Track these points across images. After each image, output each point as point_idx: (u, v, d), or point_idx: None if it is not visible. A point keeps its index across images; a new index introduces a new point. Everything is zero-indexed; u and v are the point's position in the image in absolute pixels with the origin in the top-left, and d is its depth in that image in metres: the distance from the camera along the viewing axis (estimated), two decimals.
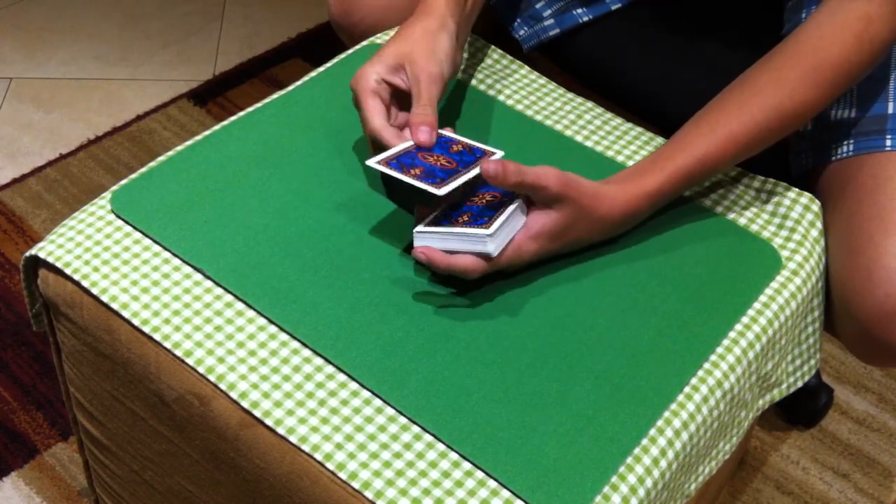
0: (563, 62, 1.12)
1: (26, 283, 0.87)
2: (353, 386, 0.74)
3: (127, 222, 0.84)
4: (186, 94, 1.79)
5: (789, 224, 0.87)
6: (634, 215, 0.83)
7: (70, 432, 1.26)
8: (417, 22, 0.88)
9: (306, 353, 0.76)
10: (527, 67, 1.03)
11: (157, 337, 0.77)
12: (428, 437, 0.71)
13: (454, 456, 0.70)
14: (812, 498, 1.23)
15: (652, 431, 0.72)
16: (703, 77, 0.90)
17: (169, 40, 1.93)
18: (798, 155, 0.97)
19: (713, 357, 0.77)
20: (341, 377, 0.74)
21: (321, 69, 1.01)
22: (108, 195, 0.87)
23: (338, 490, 0.69)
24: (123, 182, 0.88)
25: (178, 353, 0.76)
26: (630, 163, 0.92)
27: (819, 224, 0.88)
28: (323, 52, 1.73)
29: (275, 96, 0.97)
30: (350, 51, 1.03)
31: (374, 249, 0.83)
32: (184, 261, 0.81)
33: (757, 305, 0.81)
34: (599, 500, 0.68)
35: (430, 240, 0.78)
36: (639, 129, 0.96)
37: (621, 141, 0.94)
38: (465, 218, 0.78)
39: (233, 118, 0.94)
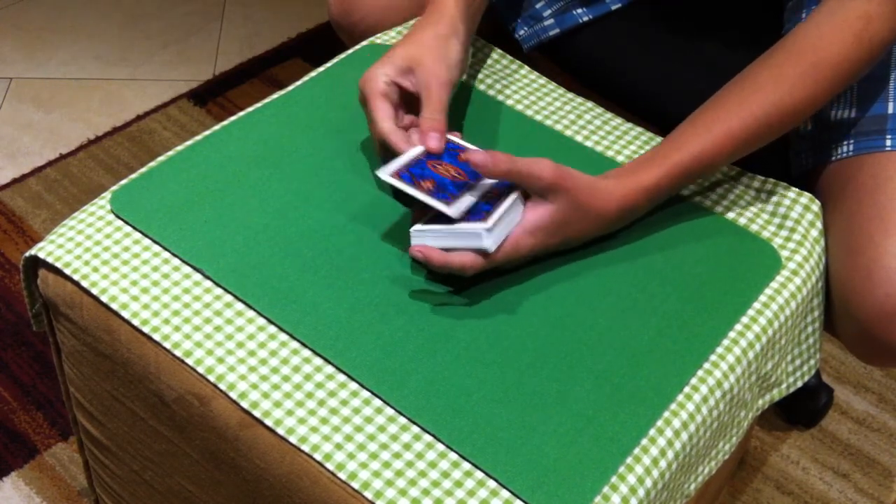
0: (563, 62, 1.12)
1: (26, 284, 0.87)
2: (353, 386, 0.74)
3: (127, 222, 0.84)
4: (186, 94, 1.79)
5: (789, 224, 0.87)
6: (631, 210, 0.82)
7: (70, 432, 1.26)
8: (429, 26, 0.88)
9: (306, 353, 0.76)
10: (527, 67, 1.03)
11: (156, 337, 0.77)
12: (427, 438, 0.71)
13: (454, 456, 0.70)
14: (812, 498, 1.23)
15: (652, 431, 0.72)
16: (703, 77, 0.90)
17: (169, 40, 1.93)
18: (798, 155, 0.97)
19: (713, 357, 0.77)
20: (341, 377, 0.74)
21: (321, 69, 1.01)
22: (107, 195, 0.87)
23: (337, 490, 0.69)
24: (123, 182, 0.88)
25: (178, 353, 0.76)
26: None
27: (819, 224, 0.88)
28: (323, 52, 1.73)
29: (275, 96, 0.97)
30: (350, 51, 1.03)
31: (374, 249, 0.83)
32: (183, 261, 0.81)
33: (757, 305, 0.81)
34: (599, 500, 0.68)
35: (427, 238, 0.78)
36: (639, 129, 0.96)
37: (621, 141, 0.94)
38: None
39: (233, 118, 0.94)
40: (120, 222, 0.85)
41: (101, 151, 1.67)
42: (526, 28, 1.10)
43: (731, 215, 0.88)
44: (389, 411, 0.72)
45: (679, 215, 0.88)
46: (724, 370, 0.77)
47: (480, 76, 1.01)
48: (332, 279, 0.80)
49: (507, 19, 1.12)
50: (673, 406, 0.74)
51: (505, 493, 0.68)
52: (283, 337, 0.77)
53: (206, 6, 2.02)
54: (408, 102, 0.87)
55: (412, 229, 0.79)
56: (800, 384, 0.91)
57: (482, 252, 0.77)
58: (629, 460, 0.70)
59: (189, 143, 0.92)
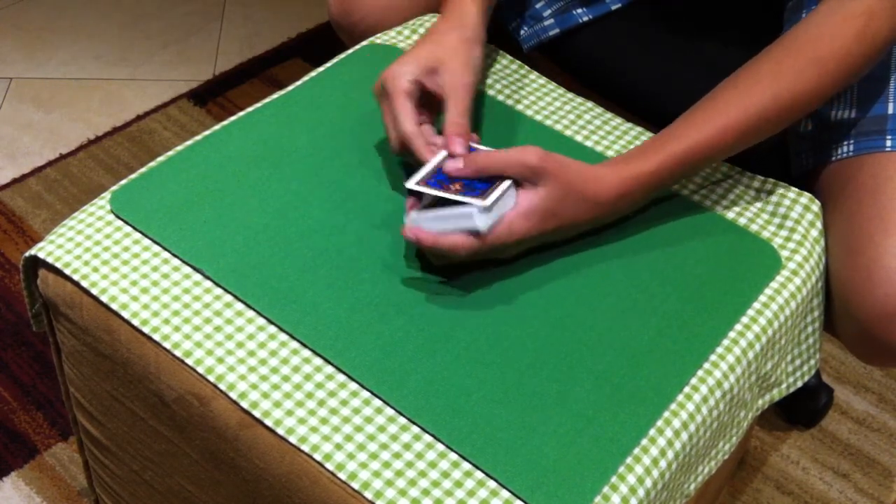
0: (563, 62, 1.12)
1: (26, 284, 0.87)
2: (353, 386, 0.74)
3: (126, 222, 0.84)
4: (186, 94, 1.79)
5: (789, 224, 0.87)
6: (627, 198, 0.82)
7: (70, 432, 1.26)
8: (454, 30, 0.88)
9: (306, 353, 0.76)
10: (527, 67, 1.03)
11: (156, 337, 0.77)
12: (427, 438, 0.71)
13: (454, 456, 0.70)
14: (812, 498, 1.23)
15: (652, 431, 0.72)
16: (703, 77, 0.90)
17: (169, 40, 1.93)
18: (798, 155, 0.97)
19: (713, 357, 0.77)
20: (341, 377, 0.74)
21: (321, 69, 1.01)
22: (107, 195, 0.87)
23: (337, 490, 0.69)
24: (123, 182, 0.88)
25: (178, 353, 0.76)
26: None
27: (819, 224, 0.88)
28: (323, 52, 1.73)
29: (275, 96, 0.97)
30: (350, 51, 1.03)
31: (373, 249, 0.83)
32: (183, 261, 0.81)
33: (757, 305, 0.81)
34: (599, 500, 0.68)
35: (422, 223, 0.78)
36: (639, 128, 0.96)
37: (621, 141, 0.94)
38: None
39: (233, 118, 0.94)
40: (120, 222, 0.85)
41: (101, 151, 1.67)
42: (526, 28, 1.10)
43: (731, 215, 0.88)
44: (389, 411, 0.72)
45: (679, 215, 0.88)
46: (724, 370, 0.77)
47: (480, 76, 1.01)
48: (332, 279, 0.80)
49: (507, 19, 1.12)
50: (673, 406, 0.74)
51: (505, 493, 0.68)
52: (283, 337, 0.77)
53: (206, 6, 2.02)
54: (425, 103, 0.87)
55: (406, 217, 0.78)
56: (800, 384, 0.91)
57: (475, 233, 0.76)
58: (629, 460, 0.70)
59: (189, 143, 0.92)
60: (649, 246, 0.85)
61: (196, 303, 0.79)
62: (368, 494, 0.68)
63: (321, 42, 1.92)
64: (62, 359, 0.89)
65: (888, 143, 0.89)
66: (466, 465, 0.70)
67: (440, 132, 0.86)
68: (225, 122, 0.94)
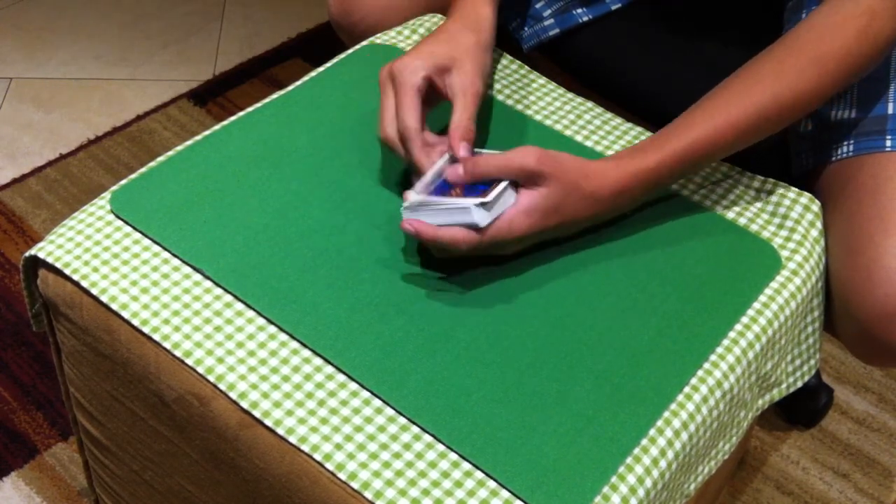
0: (563, 62, 1.12)
1: (26, 284, 0.87)
2: (353, 386, 0.74)
3: (126, 222, 0.84)
4: (186, 94, 1.79)
5: (789, 224, 0.87)
6: (628, 195, 0.81)
7: (70, 432, 1.26)
8: (469, 32, 0.87)
9: (306, 353, 0.76)
10: (527, 67, 1.03)
11: (156, 337, 0.77)
12: (427, 438, 0.71)
13: (454, 456, 0.70)
14: (812, 498, 1.23)
15: (652, 431, 0.72)
16: (703, 77, 0.90)
17: (169, 40, 1.93)
18: (798, 155, 0.97)
19: (713, 357, 0.77)
20: (341, 377, 0.74)
21: (321, 69, 1.01)
22: (107, 195, 0.87)
23: (337, 490, 0.69)
24: (123, 182, 0.88)
25: (178, 353, 0.76)
26: None
27: (819, 224, 0.88)
28: (323, 52, 1.73)
29: (275, 96, 0.97)
30: (350, 51, 1.03)
31: (374, 249, 0.83)
32: (183, 261, 0.81)
33: (757, 305, 0.81)
34: (599, 500, 0.68)
35: (419, 214, 0.78)
36: (639, 128, 0.96)
37: (621, 141, 0.94)
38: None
39: (233, 118, 0.94)
40: (120, 222, 0.85)
41: (101, 151, 1.67)
42: (526, 28, 1.10)
43: (731, 215, 0.88)
44: (389, 411, 0.72)
45: (679, 215, 0.88)
46: (724, 370, 0.77)
47: None
48: (332, 279, 0.80)
49: (507, 19, 1.12)
50: (673, 406, 0.74)
51: (505, 493, 0.68)
52: (283, 337, 0.77)
53: (206, 6, 2.02)
54: (425, 99, 0.86)
55: (403, 206, 0.78)
56: (800, 384, 0.91)
57: (474, 227, 0.76)
58: (629, 460, 0.70)
59: (189, 143, 0.92)
60: (649, 246, 0.85)
61: (196, 303, 0.79)
62: (368, 494, 0.68)
63: (321, 42, 1.92)
64: (62, 359, 0.89)
65: (888, 143, 0.89)
66: (466, 465, 0.70)
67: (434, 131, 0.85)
68: (225, 122, 0.94)
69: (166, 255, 0.82)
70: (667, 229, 0.87)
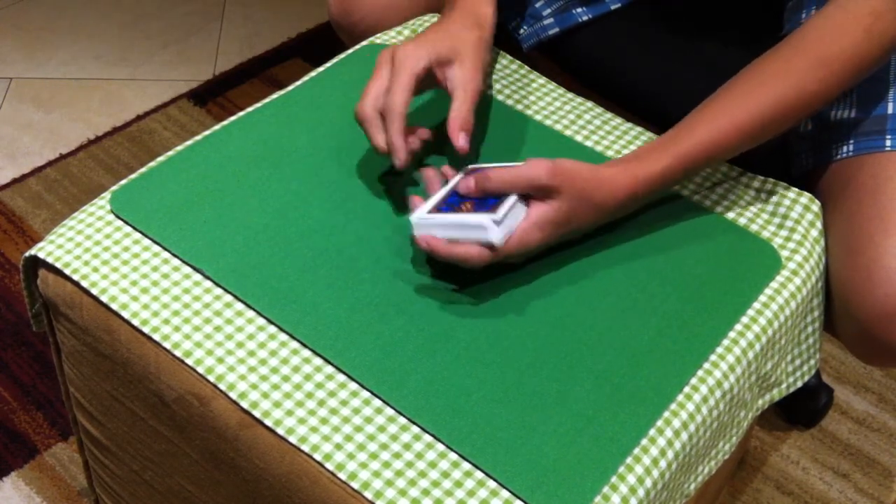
0: (562, 62, 1.12)
1: (26, 284, 0.87)
2: (353, 386, 0.74)
3: (126, 222, 0.84)
4: (186, 94, 1.79)
5: (789, 224, 0.87)
6: (635, 198, 0.82)
7: (70, 432, 1.26)
8: (471, 29, 0.87)
9: (306, 353, 0.76)
10: (527, 67, 1.03)
11: (156, 337, 0.77)
12: (427, 438, 0.71)
13: (453, 456, 0.70)
14: (812, 498, 1.23)
15: (652, 431, 0.72)
16: (703, 77, 0.90)
17: (169, 40, 1.93)
18: (798, 155, 0.97)
19: (713, 357, 0.77)
20: (341, 377, 0.74)
21: (321, 69, 1.01)
22: (107, 195, 0.87)
23: (337, 490, 0.69)
24: (123, 182, 0.88)
25: (178, 353, 0.76)
26: None
27: (819, 224, 0.88)
28: (323, 52, 1.73)
29: (275, 96, 0.97)
30: (350, 51, 1.03)
31: (374, 249, 0.83)
32: (183, 261, 0.81)
33: (757, 305, 0.81)
34: (599, 500, 0.68)
35: (432, 228, 0.77)
36: (639, 128, 0.96)
37: (621, 141, 0.94)
38: (468, 206, 0.78)
39: (233, 118, 0.94)
40: (120, 222, 0.85)
41: (101, 151, 1.67)
42: (525, 27, 1.10)
43: (731, 215, 0.88)
44: (389, 411, 0.72)
45: (679, 215, 0.88)
46: (724, 370, 0.77)
47: None
48: (332, 279, 0.80)
49: (507, 19, 1.12)
50: (673, 406, 0.74)
51: (505, 493, 0.68)
52: (283, 337, 0.77)
53: (206, 6, 2.02)
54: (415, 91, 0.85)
55: (413, 217, 0.78)
56: (800, 384, 0.91)
57: (489, 245, 0.76)
58: (629, 460, 0.70)
59: (189, 143, 0.92)
60: (649, 246, 0.85)
61: (196, 303, 0.79)
62: (368, 494, 0.68)
63: (321, 42, 1.92)
64: (62, 359, 0.89)
65: (888, 143, 0.89)
66: (466, 465, 0.70)
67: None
68: (225, 122, 0.94)
69: (166, 255, 0.82)
70: (667, 229, 0.87)
